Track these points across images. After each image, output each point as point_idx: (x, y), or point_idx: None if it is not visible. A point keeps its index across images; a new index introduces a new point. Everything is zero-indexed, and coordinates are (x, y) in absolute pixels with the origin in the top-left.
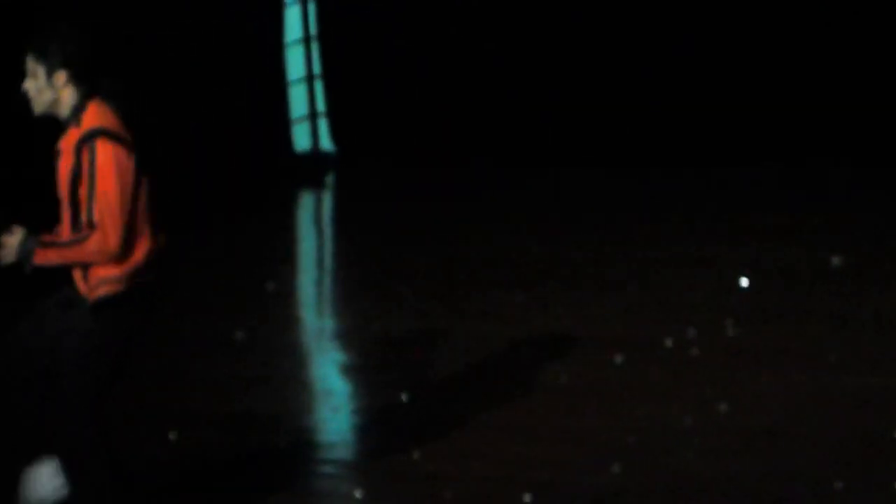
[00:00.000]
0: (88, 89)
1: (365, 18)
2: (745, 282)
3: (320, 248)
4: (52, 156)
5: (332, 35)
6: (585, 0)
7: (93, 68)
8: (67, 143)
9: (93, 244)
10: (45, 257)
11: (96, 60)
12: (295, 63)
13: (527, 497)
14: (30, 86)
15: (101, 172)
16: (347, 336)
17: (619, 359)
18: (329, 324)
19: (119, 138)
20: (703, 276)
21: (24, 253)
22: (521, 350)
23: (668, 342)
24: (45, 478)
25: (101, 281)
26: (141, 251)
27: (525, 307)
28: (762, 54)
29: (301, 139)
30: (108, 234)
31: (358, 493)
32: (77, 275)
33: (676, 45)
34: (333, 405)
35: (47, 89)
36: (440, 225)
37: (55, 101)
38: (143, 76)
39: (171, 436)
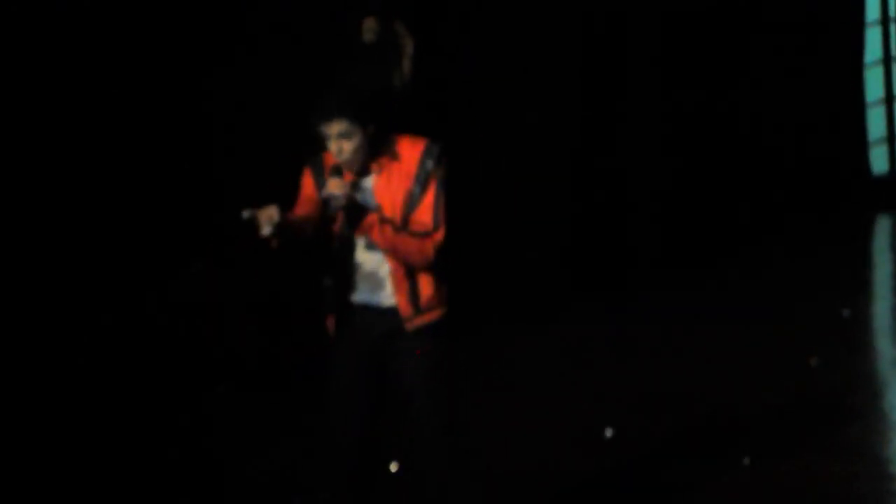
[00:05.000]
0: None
1: None
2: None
3: None
4: None
5: None
6: None
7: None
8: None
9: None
10: (381, 232)
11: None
12: (873, 85)
13: None
14: (348, 147)
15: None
16: None
17: None
18: None
19: None
20: None
21: (355, 206)
22: None
23: None
24: None
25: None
26: None
27: None
28: None
29: (878, 162)
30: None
31: None
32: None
33: None
34: None
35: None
36: None
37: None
38: None
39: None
